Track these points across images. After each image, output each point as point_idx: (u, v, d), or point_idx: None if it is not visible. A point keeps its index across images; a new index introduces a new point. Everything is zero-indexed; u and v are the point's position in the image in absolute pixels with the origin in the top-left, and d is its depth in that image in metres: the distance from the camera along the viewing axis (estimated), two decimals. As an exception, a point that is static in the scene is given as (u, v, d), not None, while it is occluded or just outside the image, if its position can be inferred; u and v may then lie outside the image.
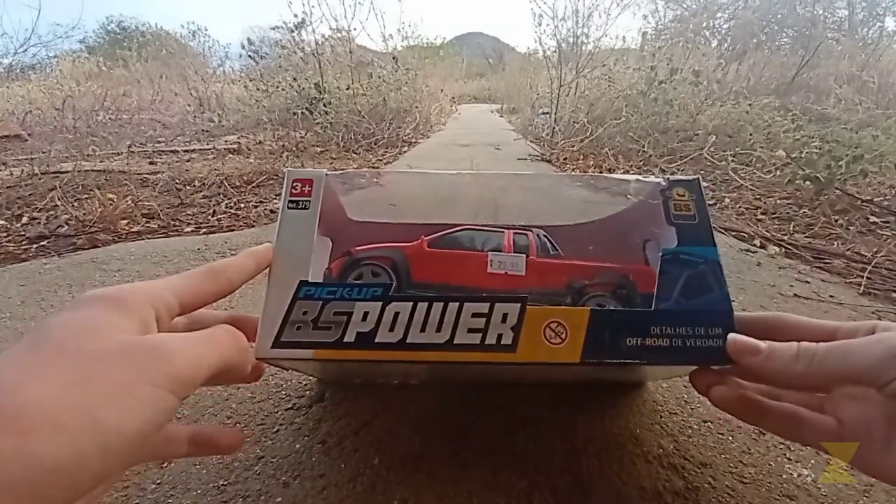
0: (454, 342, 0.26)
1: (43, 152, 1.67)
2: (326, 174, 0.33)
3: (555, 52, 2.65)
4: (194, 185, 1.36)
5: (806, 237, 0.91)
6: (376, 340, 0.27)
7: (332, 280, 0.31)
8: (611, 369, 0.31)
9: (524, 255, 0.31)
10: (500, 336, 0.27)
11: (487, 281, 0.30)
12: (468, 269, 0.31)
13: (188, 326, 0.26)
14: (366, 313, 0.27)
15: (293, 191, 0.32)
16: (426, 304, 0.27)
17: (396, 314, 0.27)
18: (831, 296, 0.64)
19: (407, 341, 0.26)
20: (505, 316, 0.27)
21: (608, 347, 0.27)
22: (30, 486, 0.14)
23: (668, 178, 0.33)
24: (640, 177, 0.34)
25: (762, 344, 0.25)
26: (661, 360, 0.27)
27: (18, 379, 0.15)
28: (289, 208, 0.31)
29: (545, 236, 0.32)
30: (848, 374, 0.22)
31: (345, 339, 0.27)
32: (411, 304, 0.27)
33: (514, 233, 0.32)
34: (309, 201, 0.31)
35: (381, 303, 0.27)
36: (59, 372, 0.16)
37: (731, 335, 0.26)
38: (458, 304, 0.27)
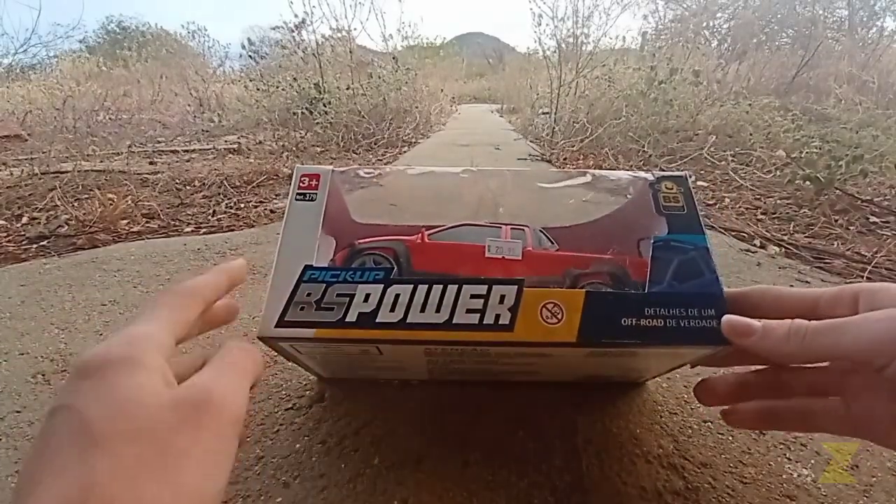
0: (453, 321, 0.27)
1: (43, 152, 1.67)
2: (333, 170, 0.34)
3: (555, 52, 2.65)
4: (194, 185, 1.36)
5: (806, 237, 0.91)
6: (377, 320, 0.27)
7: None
8: (610, 358, 0.31)
9: (520, 241, 0.32)
10: (497, 316, 0.27)
11: (485, 269, 0.30)
12: (467, 258, 0.31)
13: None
14: (367, 295, 0.28)
15: (301, 184, 0.33)
16: (426, 286, 0.28)
17: (397, 296, 0.28)
18: (831, 296, 0.64)
19: (407, 321, 0.27)
20: (502, 297, 0.28)
21: (604, 327, 0.27)
22: None
23: (655, 174, 0.34)
24: (630, 173, 0.35)
25: (756, 323, 0.25)
26: (657, 341, 0.27)
27: (111, 491, 0.15)
28: (296, 200, 0.33)
29: (542, 231, 0.33)
30: (841, 356, 0.23)
31: (346, 319, 0.27)
32: (412, 286, 0.28)
33: (512, 228, 0.33)
34: (315, 194, 0.33)
35: (382, 285, 0.28)
36: (140, 467, 0.15)
37: (725, 316, 0.26)
38: (457, 286, 0.28)
